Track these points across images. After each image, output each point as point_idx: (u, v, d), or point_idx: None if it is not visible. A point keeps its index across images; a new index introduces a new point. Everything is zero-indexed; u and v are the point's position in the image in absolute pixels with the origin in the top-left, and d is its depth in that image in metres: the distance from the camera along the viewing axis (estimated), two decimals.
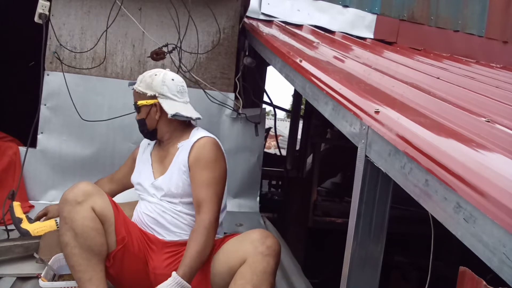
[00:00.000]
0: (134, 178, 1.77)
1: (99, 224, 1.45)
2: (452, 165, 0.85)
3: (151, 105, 1.68)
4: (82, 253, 1.41)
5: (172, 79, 1.70)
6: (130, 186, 1.85)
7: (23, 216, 1.89)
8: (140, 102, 1.69)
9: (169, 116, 1.63)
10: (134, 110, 1.74)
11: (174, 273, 1.40)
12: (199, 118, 1.73)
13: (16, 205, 1.91)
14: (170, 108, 1.66)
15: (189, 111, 1.71)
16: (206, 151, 1.62)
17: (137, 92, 1.70)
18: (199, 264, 1.45)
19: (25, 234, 1.83)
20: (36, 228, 1.85)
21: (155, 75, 1.69)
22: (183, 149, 1.65)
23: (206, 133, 1.71)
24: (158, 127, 1.71)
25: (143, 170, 1.75)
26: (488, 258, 0.72)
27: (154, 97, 1.67)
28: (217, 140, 1.69)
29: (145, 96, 1.67)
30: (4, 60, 3.47)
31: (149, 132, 1.72)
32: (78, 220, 1.40)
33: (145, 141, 1.84)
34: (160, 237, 1.60)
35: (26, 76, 3.13)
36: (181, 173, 1.62)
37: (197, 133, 1.69)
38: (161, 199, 1.63)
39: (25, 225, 1.86)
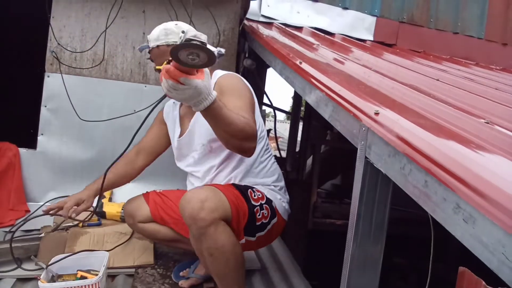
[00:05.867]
0: (172, 142, 1.79)
1: None
2: (452, 166, 0.85)
3: None
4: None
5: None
6: (161, 152, 1.87)
7: (107, 197, 2.33)
8: None
9: (216, 52, 1.52)
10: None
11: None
12: (223, 54, 1.64)
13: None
14: (209, 46, 1.54)
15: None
16: (230, 82, 1.55)
17: (170, 45, 1.51)
18: (222, 117, 1.24)
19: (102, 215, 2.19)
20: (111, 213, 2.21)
21: (175, 24, 1.57)
22: None
23: (226, 71, 1.66)
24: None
25: (171, 130, 1.78)
26: (487, 258, 0.73)
27: None
28: (237, 75, 1.66)
29: None
30: (5, 61, 3.47)
31: None
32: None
33: (171, 101, 1.81)
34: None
35: (27, 78, 3.14)
36: (203, 124, 1.46)
37: (218, 73, 1.64)
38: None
39: (106, 206, 2.22)
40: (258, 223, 1.54)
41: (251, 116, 1.45)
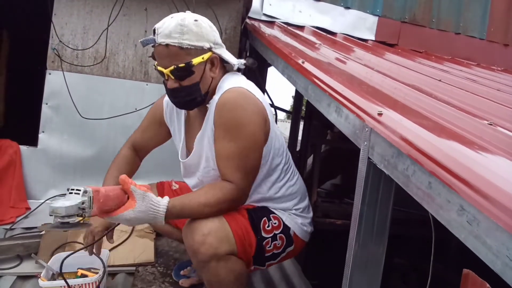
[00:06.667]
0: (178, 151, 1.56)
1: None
2: (455, 168, 0.84)
3: (206, 60, 1.31)
4: None
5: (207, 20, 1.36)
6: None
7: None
8: (195, 60, 1.27)
9: (237, 66, 1.35)
10: (172, 77, 1.29)
11: (168, 198, 1.21)
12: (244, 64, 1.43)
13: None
14: (230, 56, 1.36)
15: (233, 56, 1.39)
16: (226, 111, 1.28)
17: (183, 49, 1.26)
18: (187, 215, 1.27)
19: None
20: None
21: (195, 20, 1.29)
22: (210, 111, 1.34)
23: (235, 81, 1.35)
24: (211, 88, 1.36)
25: (177, 143, 1.54)
26: (491, 261, 0.72)
27: (208, 49, 1.31)
28: (247, 88, 1.33)
29: (199, 50, 1.29)
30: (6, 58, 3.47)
31: (199, 100, 1.36)
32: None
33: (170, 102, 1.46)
34: None
35: (28, 75, 3.14)
36: (211, 147, 1.36)
37: (224, 84, 1.35)
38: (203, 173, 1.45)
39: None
40: (267, 254, 1.43)
41: (241, 170, 1.29)
